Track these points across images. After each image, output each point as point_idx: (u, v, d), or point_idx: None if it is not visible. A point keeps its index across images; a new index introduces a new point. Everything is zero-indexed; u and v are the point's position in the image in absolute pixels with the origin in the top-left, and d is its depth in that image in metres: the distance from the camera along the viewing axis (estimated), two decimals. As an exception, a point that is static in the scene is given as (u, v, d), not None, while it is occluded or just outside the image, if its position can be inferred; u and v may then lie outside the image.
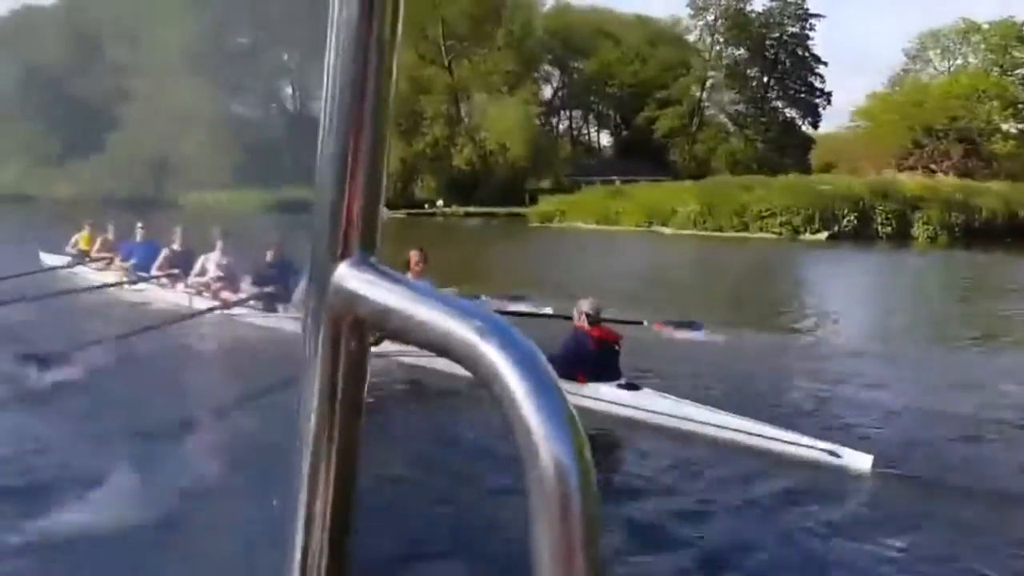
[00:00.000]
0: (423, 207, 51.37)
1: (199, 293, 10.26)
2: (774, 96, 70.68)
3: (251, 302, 9.35)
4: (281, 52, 61.42)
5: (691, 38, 69.97)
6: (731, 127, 69.57)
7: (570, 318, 6.63)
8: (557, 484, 0.37)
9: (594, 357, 6.16)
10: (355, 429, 0.52)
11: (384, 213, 0.51)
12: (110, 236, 13.19)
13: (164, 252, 11.32)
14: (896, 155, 51.46)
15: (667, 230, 33.22)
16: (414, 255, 7.78)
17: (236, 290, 9.95)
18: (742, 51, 68.86)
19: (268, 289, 9.37)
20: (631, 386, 6.17)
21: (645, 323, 8.07)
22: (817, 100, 71.98)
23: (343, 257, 0.49)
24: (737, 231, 30.89)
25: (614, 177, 57.80)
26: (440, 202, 52.32)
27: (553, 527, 0.37)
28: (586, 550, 0.37)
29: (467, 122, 54.24)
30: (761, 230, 30.73)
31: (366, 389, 0.52)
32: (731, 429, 5.63)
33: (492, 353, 0.40)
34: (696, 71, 68.25)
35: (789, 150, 70.90)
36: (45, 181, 62.91)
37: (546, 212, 38.32)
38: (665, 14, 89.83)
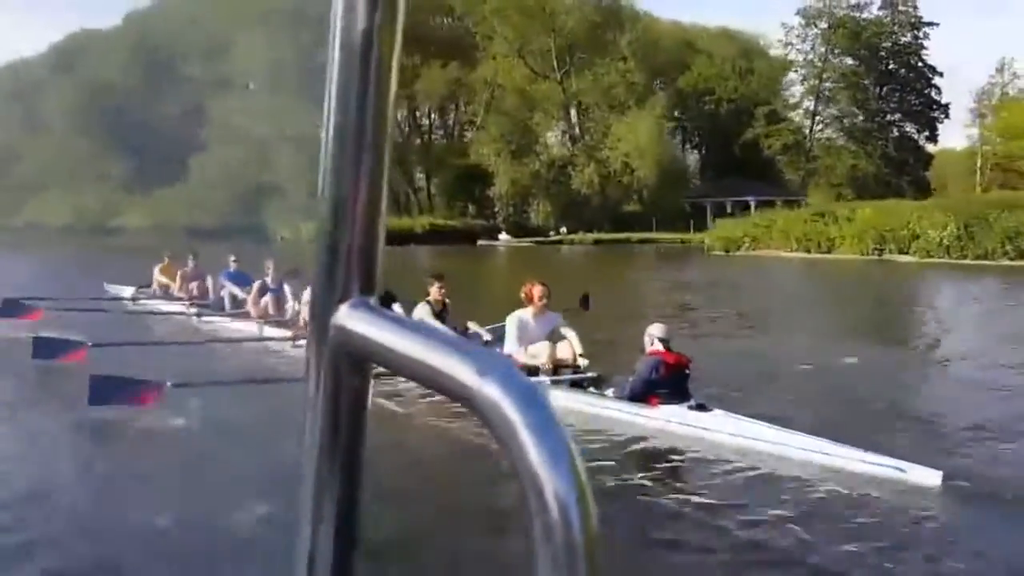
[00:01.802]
0: (547, 235, 46.76)
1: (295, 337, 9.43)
2: (889, 109, 65.83)
3: None
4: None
5: (798, 50, 65.15)
6: (846, 142, 64.71)
7: None
8: (562, 528, 0.37)
9: (666, 381, 6.17)
10: (357, 467, 0.52)
11: (382, 253, 0.51)
12: (189, 267, 12.81)
13: (256, 284, 10.85)
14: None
15: (907, 258, 28.20)
16: (539, 290, 7.20)
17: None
18: (855, 62, 64.13)
19: None
20: (701, 407, 6.07)
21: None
22: (934, 113, 67.05)
23: (344, 298, 0.50)
24: (1012, 260, 25.78)
25: (724, 199, 53.41)
26: (564, 229, 47.59)
27: (558, 571, 0.37)
28: None
29: (587, 140, 49.50)
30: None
31: (367, 426, 0.52)
32: (800, 448, 5.50)
33: (493, 393, 0.40)
34: (811, 81, 63.63)
35: (908, 167, 66.17)
36: (122, 210, 59.00)
37: (730, 238, 33.32)
38: (749, 26, 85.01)
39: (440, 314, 8.01)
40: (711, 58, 66.20)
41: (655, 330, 6.35)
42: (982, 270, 24.88)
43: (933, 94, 66.64)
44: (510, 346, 7.03)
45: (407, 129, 57.17)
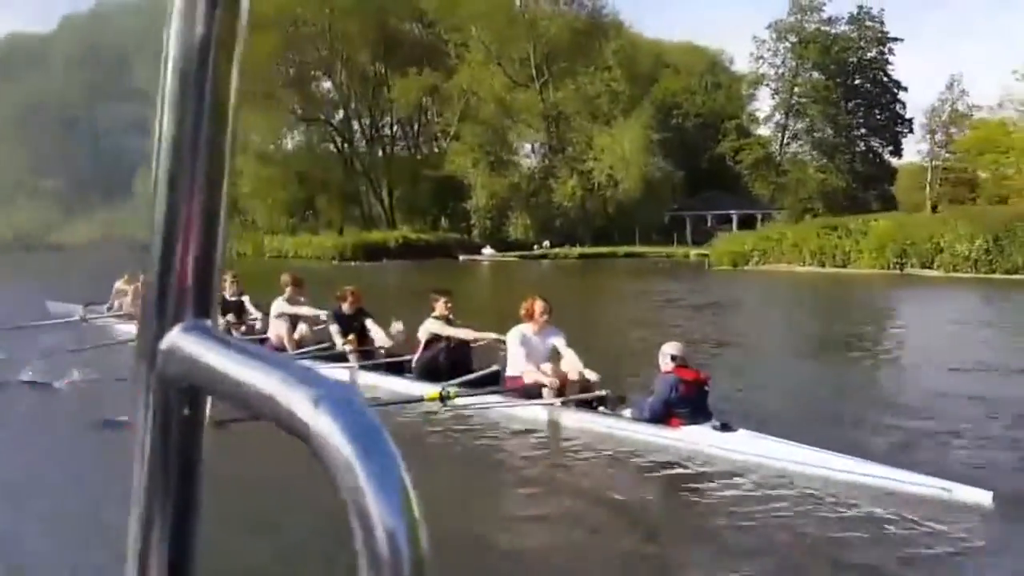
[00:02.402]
0: (531, 249, 44.82)
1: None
2: (856, 123, 65.98)
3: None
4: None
5: (770, 64, 64.86)
6: (815, 156, 64.56)
7: None
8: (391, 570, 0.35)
9: (686, 400, 5.94)
10: (191, 501, 0.48)
11: (219, 274, 0.48)
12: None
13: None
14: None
15: (931, 272, 27.06)
16: (540, 305, 7.02)
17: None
18: (824, 76, 64.09)
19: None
20: (725, 427, 5.80)
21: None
22: (898, 128, 67.47)
23: (176, 320, 0.47)
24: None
25: (705, 212, 52.47)
26: (547, 243, 45.73)
27: None
28: None
29: (569, 151, 47.84)
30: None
31: (201, 462, 0.49)
32: (833, 468, 5.25)
33: (327, 424, 0.37)
34: (782, 95, 63.34)
35: (873, 181, 66.37)
36: (63, 225, 55.20)
37: (738, 252, 31.81)
38: (711, 42, 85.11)
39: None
40: (678, 72, 65.57)
41: (669, 348, 6.12)
42: (1012, 285, 23.82)
43: (898, 108, 67.12)
44: (516, 363, 6.89)
45: (370, 138, 54.82)
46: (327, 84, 53.23)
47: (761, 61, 64.55)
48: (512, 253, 43.40)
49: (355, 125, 53.98)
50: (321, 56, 52.24)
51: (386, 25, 53.42)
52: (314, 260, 45.58)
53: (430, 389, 6.77)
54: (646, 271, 34.66)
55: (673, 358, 6.04)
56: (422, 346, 7.82)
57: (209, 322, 0.47)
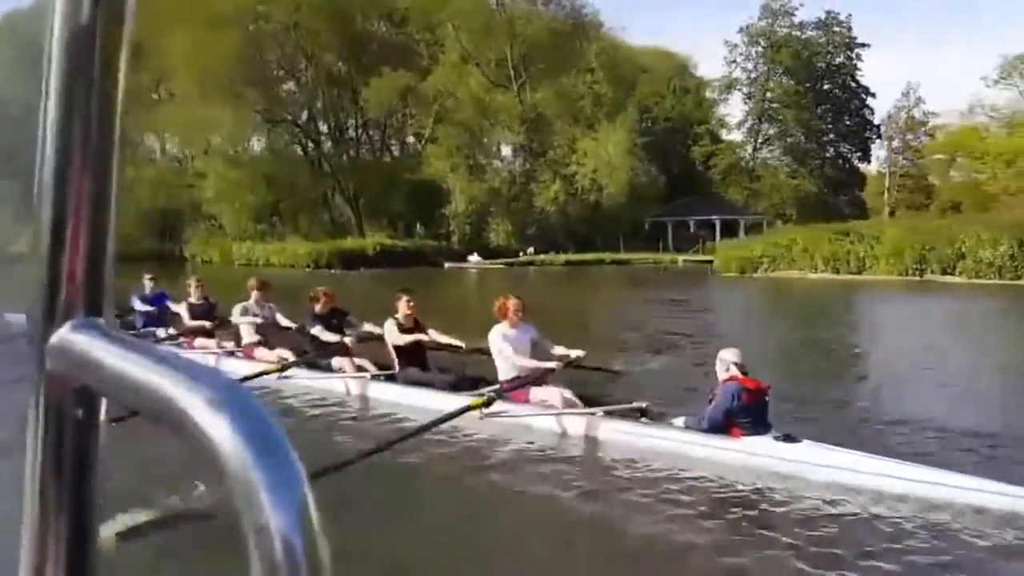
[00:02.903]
0: (516, 255, 43.25)
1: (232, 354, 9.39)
2: (826, 129, 66.07)
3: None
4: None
5: (742, 68, 64.55)
6: (788, 162, 64.42)
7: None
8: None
9: (747, 409, 5.66)
10: (87, 504, 0.46)
11: (111, 271, 0.46)
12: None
13: (183, 306, 10.27)
14: None
15: (953, 279, 26.28)
16: (513, 303, 7.01)
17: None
18: (795, 81, 63.99)
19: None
20: (788, 438, 5.56)
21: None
22: (867, 134, 67.82)
23: (66, 318, 0.45)
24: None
25: (687, 218, 51.62)
26: (531, 249, 44.23)
27: None
28: None
29: (551, 155, 46.43)
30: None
31: (97, 463, 0.46)
32: (907, 478, 4.96)
33: (223, 427, 0.35)
34: (755, 101, 63.03)
35: (844, 187, 66.54)
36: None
37: (746, 259, 30.64)
38: (678, 47, 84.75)
39: (410, 331, 7.73)
40: (646, 75, 64.88)
41: (729, 355, 5.88)
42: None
43: (867, 115, 67.47)
44: (504, 362, 6.88)
45: (337, 140, 52.67)
46: (292, 85, 50.85)
47: (734, 65, 64.30)
48: (498, 260, 41.75)
49: (323, 127, 51.78)
50: (286, 54, 49.96)
51: (354, 24, 51.44)
52: (287, 268, 43.42)
53: (464, 398, 6.69)
54: (647, 279, 33.32)
55: (735, 365, 5.80)
56: (395, 355, 7.80)
57: (102, 320, 0.46)
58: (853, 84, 66.99)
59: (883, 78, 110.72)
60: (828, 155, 66.64)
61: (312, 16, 47.95)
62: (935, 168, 56.23)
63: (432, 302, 12.24)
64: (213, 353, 9.43)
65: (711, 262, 34.42)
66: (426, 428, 5.80)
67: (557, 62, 45.76)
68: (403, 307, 7.86)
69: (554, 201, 45.64)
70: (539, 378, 6.77)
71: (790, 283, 28.09)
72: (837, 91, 66.54)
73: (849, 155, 67.40)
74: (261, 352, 9.02)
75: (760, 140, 65.20)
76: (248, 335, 9.23)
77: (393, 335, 7.72)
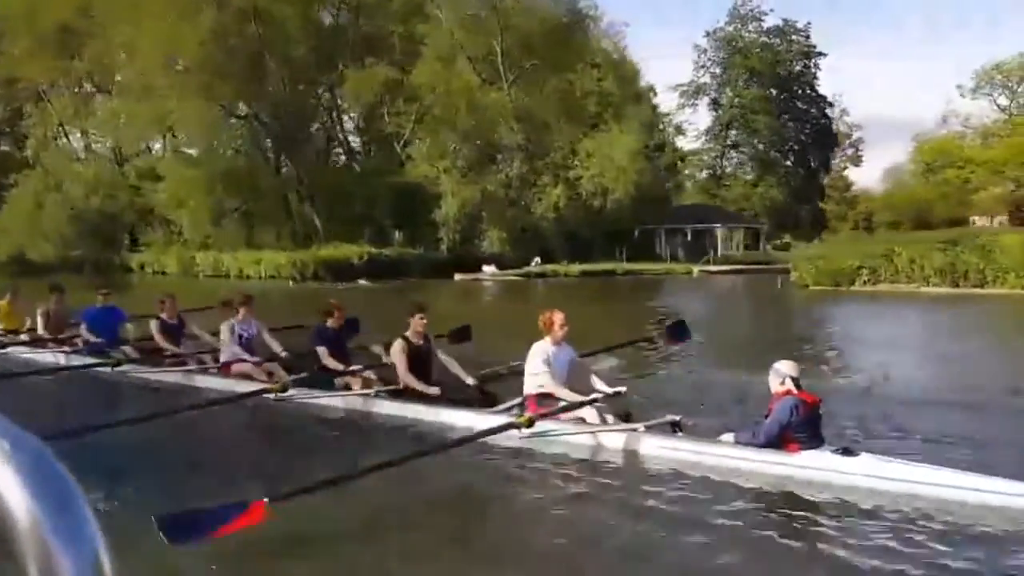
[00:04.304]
0: (520, 266, 39.79)
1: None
2: (790, 137, 65.77)
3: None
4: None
5: (712, 74, 63.38)
6: (754, 168, 63.67)
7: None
8: None
9: (804, 424, 5.59)
10: None
11: None
12: (52, 305, 11.07)
13: (155, 323, 9.73)
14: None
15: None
16: (559, 317, 6.77)
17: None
18: (760, 88, 63.36)
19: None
20: (847, 451, 5.47)
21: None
22: (827, 143, 67.99)
23: None
24: None
25: (683, 226, 49.56)
26: (537, 259, 40.88)
27: None
28: None
29: (553, 157, 43.29)
30: None
31: None
32: (975, 490, 4.83)
33: (11, 479, 0.33)
34: (724, 108, 61.91)
35: (804, 197, 66.37)
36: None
37: (838, 270, 27.68)
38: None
39: (419, 349, 7.46)
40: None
41: (785, 367, 5.73)
42: None
43: (829, 124, 67.59)
44: (545, 380, 6.55)
45: (303, 140, 47.74)
46: (256, 78, 45.62)
47: (703, 70, 63.07)
48: (512, 271, 38.22)
49: (290, 125, 46.84)
50: (247, 44, 44.76)
51: (319, 12, 46.95)
52: (267, 280, 38.51)
53: (488, 415, 6.62)
54: (717, 289, 30.36)
55: (791, 379, 5.67)
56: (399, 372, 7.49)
57: None
58: (812, 93, 67.05)
59: (845, 88, 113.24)
60: (788, 163, 66.43)
61: (277, 4, 43.17)
62: (920, 177, 56.41)
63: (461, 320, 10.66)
64: (188, 370, 9.10)
65: (785, 271, 31.50)
66: (464, 442, 5.89)
67: (555, 57, 42.63)
68: (417, 324, 7.51)
69: (555, 206, 42.46)
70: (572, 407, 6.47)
71: (904, 298, 25.05)
72: (797, 101, 66.42)
73: (812, 164, 67.34)
74: (246, 368, 8.57)
75: (726, 147, 64.25)
76: (236, 355, 8.69)
77: (400, 357, 7.36)
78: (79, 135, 53.19)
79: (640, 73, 64.20)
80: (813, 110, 67.00)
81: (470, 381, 7.42)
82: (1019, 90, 54.05)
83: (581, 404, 6.44)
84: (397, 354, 7.37)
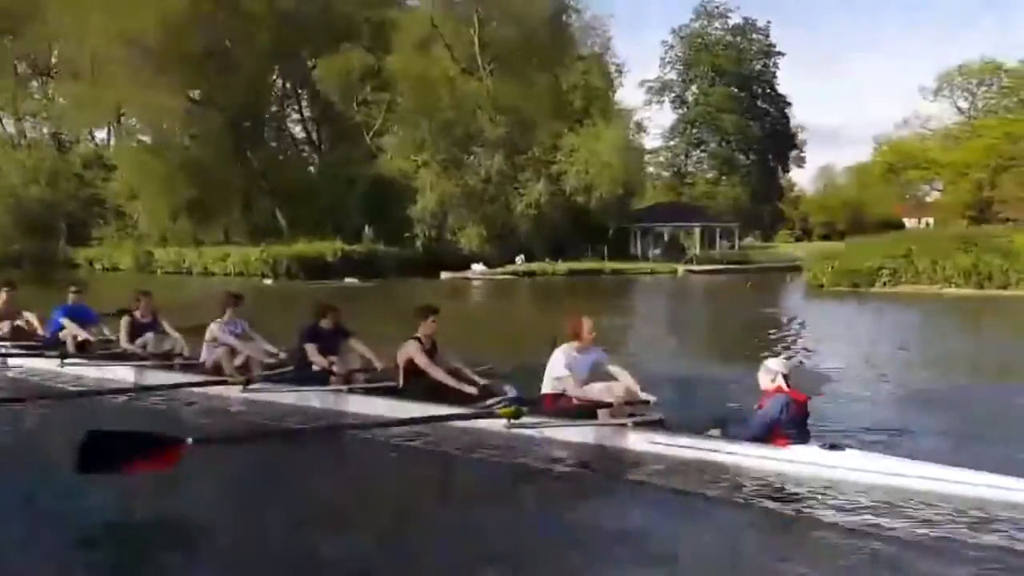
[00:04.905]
0: (504, 264, 38.21)
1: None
2: (752, 137, 65.79)
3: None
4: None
5: (677, 70, 62.87)
6: (716, 165, 63.47)
7: None
8: None
9: (794, 421, 5.70)
10: None
11: None
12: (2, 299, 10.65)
13: (126, 320, 9.37)
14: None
15: None
16: (588, 323, 6.68)
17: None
18: (725, 85, 63.19)
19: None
20: (834, 446, 5.59)
21: None
22: (785, 144, 68.36)
23: None
24: None
25: (658, 224, 48.68)
26: (521, 257, 39.38)
27: None
28: None
29: (535, 152, 41.85)
30: None
31: None
32: (961, 483, 4.99)
33: None
34: (691, 104, 61.46)
35: (765, 197, 66.55)
36: None
37: (857, 271, 26.75)
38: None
39: (430, 351, 7.26)
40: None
41: (776, 365, 5.85)
42: None
43: (788, 124, 67.92)
44: (559, 382, 6.47)
45: (264, 130, 45.21)
46: (217, 64, 42.79)
47: (669, 67, 62.49)
48: (500, 270, 36.61)
49: (251, 114, 44.20)
50: (209, 28, 41.90)
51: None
52: (235, 277, 35.91)
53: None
54: (732, 291, 29.22)
55: (783, 376, 5.77)
56: (403, 371, 7.20)
57: None
58: (771, 92, 67.30)
59: (802, 88, 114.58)
60: (748, 162, 66.53)
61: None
62: (883, 179, 56.93)
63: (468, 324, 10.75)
64: (167, 368, 8.79)
65: (798, 268, 30.41)
66: (433, 420, 6.14)
67: (537, 47, 41.18)
68: (428, 327, 7.35)
69: (537, 203, 41.03)
70: (591, 413, 6.33)
71: (927, 299, 24.18)
72: (757, 100, 66.56)
73: (772, 164, 67.62)
74: (231, 366, 8.24)
75: (689, 144, 63.88)
76: (225, 356, 8.28)
77: (418, 355, 7.13)
78: (13, 121, 49.23)
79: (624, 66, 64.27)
80: (772, 109, 67.24)
81: (476, 384, 7.18)
82: (979, 93, 55.13)
83: (597, 406, 6.30)
84: (415, 352, 7.14)
